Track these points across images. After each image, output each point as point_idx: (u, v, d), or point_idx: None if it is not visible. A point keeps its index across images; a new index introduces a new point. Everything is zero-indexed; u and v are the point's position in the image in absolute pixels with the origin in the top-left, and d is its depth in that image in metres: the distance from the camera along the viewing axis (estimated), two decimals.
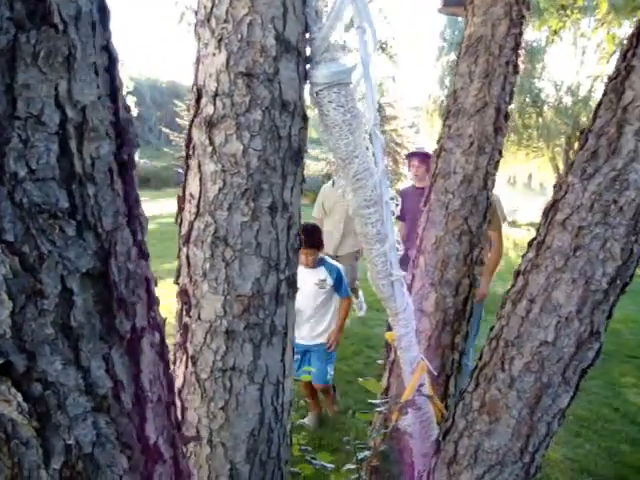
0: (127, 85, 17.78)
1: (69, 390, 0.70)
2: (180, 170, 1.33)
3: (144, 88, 33.85)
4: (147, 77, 37.93)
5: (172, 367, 1.40)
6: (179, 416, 1.36)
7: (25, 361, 0.65)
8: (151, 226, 11.71)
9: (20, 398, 0.66)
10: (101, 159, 0.68)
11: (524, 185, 21.60)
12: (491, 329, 1.52)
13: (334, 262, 3.93)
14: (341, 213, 5.32)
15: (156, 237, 9.99)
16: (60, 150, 0.63)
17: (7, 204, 0.60)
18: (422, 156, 4.61)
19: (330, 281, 3.76)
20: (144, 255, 0.78)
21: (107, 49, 0.67)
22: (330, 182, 5.66)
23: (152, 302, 0.81)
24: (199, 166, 1.24)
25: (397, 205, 1.58)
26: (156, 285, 0.86)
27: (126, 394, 0.76)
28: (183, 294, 1.32)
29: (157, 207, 14.30)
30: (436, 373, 1.99)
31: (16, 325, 0.64)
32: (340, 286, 3.81)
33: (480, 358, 1.52)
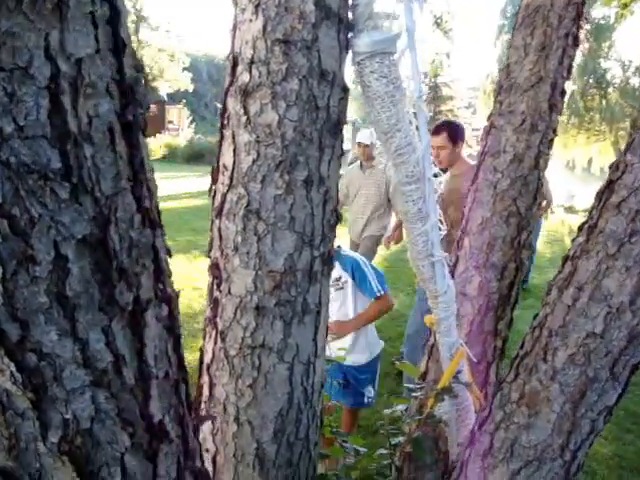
0: (184, 61, 18.08)
1: (65, 362, 0.66)
2: None
3: (201, 64, 34.24)
4: (204, 53, 38.33)
5: (202, 342, 1.37)
6: (207, 392, 1.34)
7: (18, 330, 0.62)
8: (201, 201, 11.93)
9: (13, 368, 0.63)
10: (100, 118, 0.63)
11: (583, 170, 20.79)
12: (535, 317, 1.43)
13: (348, 252, 3.00)
14: (367, 196, 5.01)
15: (205, 213, 10.12)
16: (51, 106, 0.58)
17: None
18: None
19: (346, 277, 2.85)
20: (152, 223, 0.73)
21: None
22: (357, 163, 5.24)
23: (160, 273, 0.76)
24: (233, 137, 1.20)
25: (440, 183, 1.51)
26: (170, 256, 0.82)
27: (128, 369, 0.72)
28: (214, 267, 1.29)
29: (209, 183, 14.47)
30: (476, 360, 1.91)
31: (8, 292, 0.61)
32: (362, 282, 2.84)
33: (521, 347, 1.43)
